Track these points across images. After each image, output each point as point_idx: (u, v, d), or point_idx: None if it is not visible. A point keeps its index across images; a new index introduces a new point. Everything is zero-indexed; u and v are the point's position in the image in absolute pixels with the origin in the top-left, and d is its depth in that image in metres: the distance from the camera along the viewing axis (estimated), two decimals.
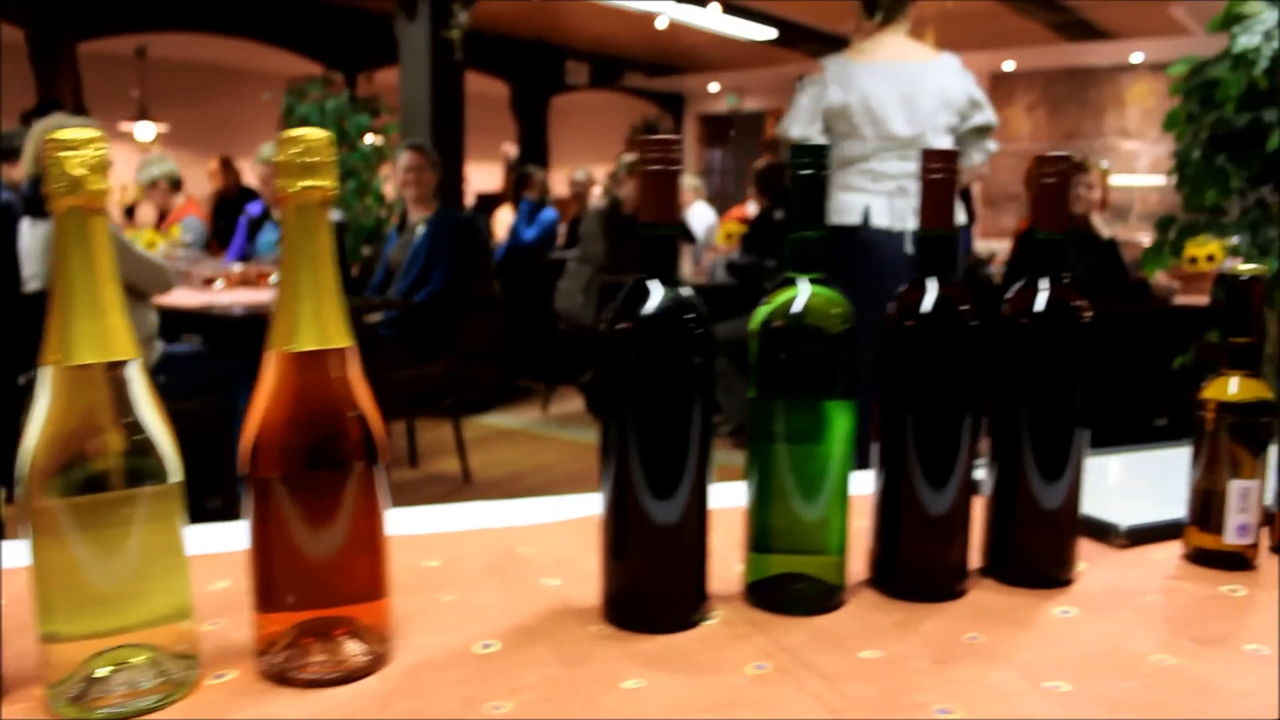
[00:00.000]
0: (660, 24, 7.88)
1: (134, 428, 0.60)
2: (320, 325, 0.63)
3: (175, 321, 3.43)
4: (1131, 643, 0.69)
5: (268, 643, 0.65)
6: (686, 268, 5.39)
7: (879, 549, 0.79)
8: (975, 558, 0.84)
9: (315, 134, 0.62)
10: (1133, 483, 1.07)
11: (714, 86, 11.49)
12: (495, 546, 0.89)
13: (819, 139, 3.15)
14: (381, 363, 3.96)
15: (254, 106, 6.62)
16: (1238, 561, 0.87)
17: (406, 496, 4.25)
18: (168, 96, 8.90)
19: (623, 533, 0.71)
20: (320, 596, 0.65)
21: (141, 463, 0.61)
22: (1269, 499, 0.93)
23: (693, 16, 7.61)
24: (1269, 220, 2.63)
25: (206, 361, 3.38)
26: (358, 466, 0.64)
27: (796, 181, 0.72)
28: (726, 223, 5.88)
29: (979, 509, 0.83)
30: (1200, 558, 0.88)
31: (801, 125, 3.17)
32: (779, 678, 0.64)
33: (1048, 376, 0.79)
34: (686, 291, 0.70)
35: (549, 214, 6.04)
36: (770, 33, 8.15)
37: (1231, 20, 2.53)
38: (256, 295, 3.71)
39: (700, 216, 6.97)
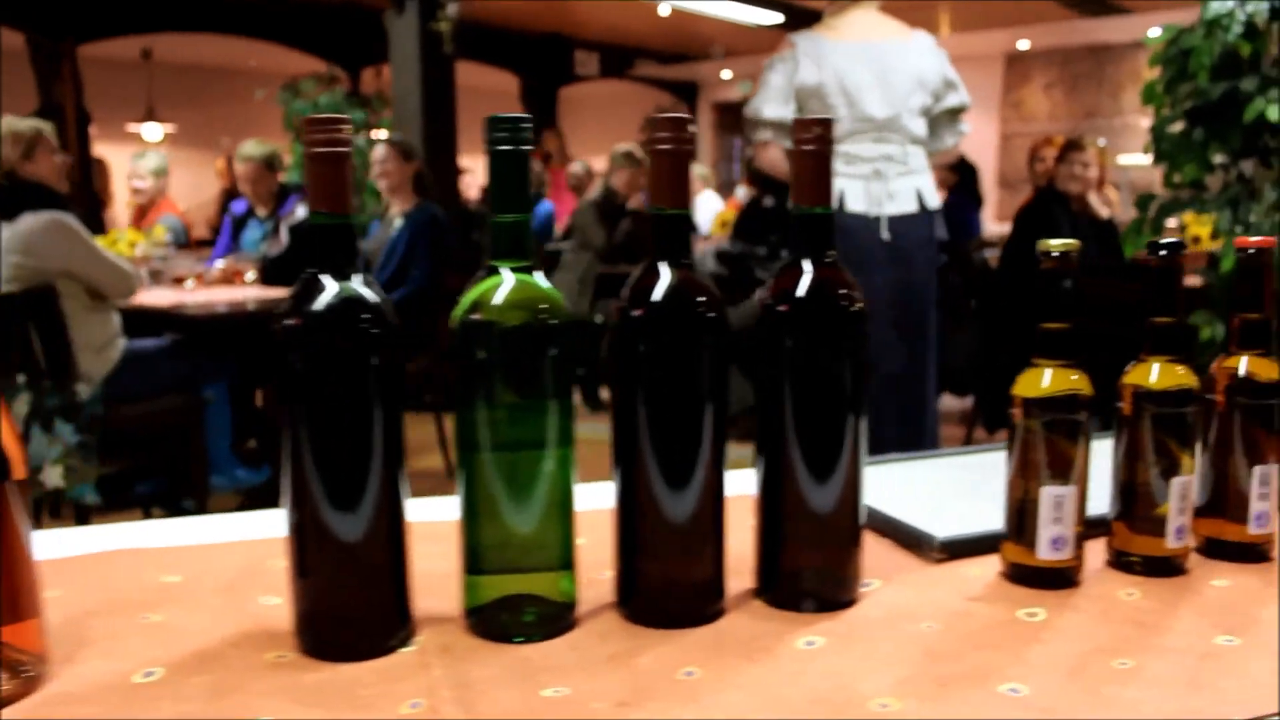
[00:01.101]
0: (663, 11, 7.77)
1: None
2: None
3: (157, 321, 3.42)
4: (863, 683, 0.60)
5: None
6: None
7: (620, 566, 0.71)
8: (749, 578, 0.75)
9: None
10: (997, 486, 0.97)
11: (727, 73, 11.33)
12: (248, 560, 0.83)
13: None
14: None
15: (260, 105, 6.63)
16: (1056, 578, 0.77)
17: None
18: (174, 97, 8.96)
19: (303, 549, 0.64)
20: None
21: None
22: (1104, 506, 0.83)
23: (696, 3, 7.49)
24: (1251, 195, 2.48)
25: (174, 358, 3.36)
26: None
27: (495, 157, 0.64)
28: (723, 211, 5.78)
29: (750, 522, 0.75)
30: (1016, 575, 0.78)
31: (775, 105, 3.04)
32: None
33: (810, 364, 0.70)
34: (362, 287, 0.62)
35: (544, 206, 5.97)
36: (776, 17, 8.00)
37: None
38: (234, 293, 3.71)
39: (707, 205, 6.85)
